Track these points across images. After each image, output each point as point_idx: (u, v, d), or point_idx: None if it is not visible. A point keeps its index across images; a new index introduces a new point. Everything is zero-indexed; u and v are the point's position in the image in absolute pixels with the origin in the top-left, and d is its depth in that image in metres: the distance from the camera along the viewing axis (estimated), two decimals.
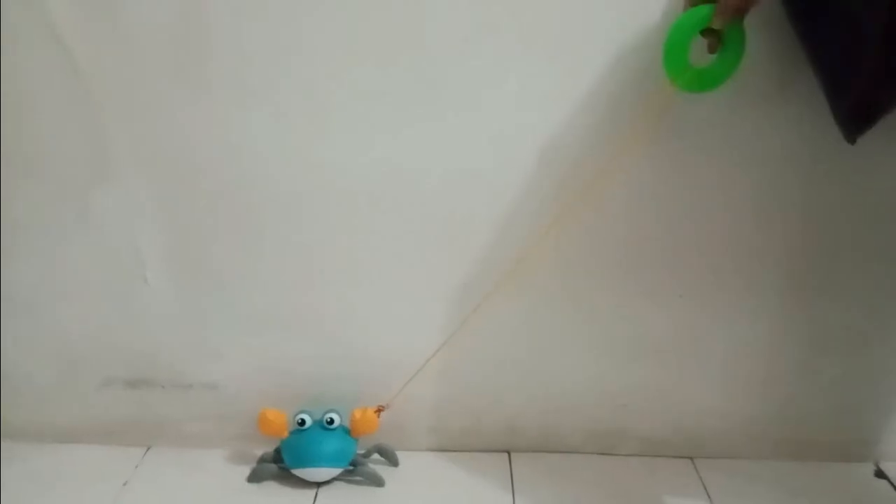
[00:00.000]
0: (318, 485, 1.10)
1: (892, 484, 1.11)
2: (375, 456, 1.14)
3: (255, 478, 1.11)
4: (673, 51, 0.83)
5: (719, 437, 1.15)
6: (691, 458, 1.15)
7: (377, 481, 1.11)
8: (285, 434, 1.10)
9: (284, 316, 1.08)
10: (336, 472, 1.10)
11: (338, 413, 1.11)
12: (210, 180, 0.99)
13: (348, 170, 0.97)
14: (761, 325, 1.06)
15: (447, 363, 1.09)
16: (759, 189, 0.98)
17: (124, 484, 1.09)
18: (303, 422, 1.10)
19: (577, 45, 0.90)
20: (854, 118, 0.82)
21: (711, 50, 0.83)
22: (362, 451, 1.13)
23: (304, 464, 1.09)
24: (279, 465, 1.11)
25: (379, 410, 1.11)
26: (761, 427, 1.14)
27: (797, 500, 1.07)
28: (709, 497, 1.07)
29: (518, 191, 0.98)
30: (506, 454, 1.16)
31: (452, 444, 1.16)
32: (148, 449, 1.17)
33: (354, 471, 1.11)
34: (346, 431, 1.12)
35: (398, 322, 1.08)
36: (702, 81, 0.85)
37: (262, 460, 1.13)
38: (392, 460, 1.14)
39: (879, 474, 1.13)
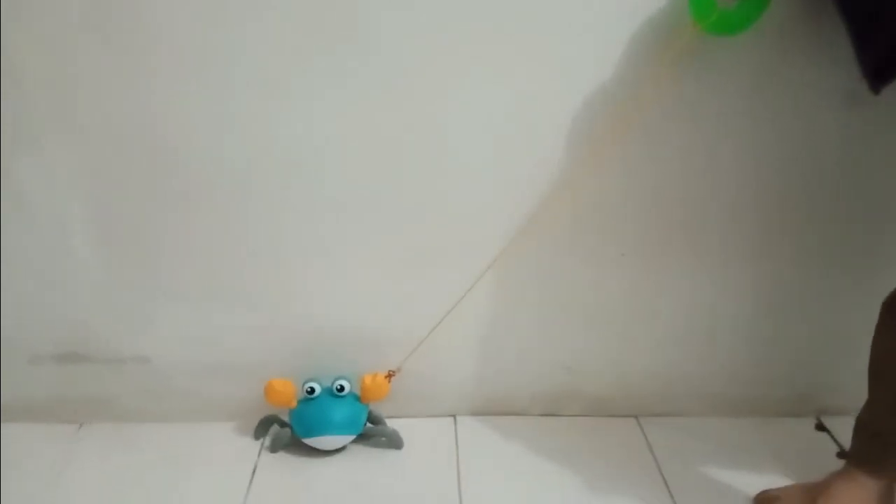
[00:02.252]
0: (329, 453, 1.09)
1: (832, 436, 1.13)
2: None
3: (274, 445, 1.09)
4: None
5: (663, 396, 1.15)
6: (636, 417, 1.16)
7: (396, 443, 1.10)
8: (294, 404, 1.08)
9: (220, 287, 1.05)
10: (349, 439, 1.08)
11: (347, 380, 1.08)
12: (138, 148, 0.94)
13: (287, 141, 0.94)
14: (704, 285, 1.06)
15: (400, 332, 1.08)
16: (716, 149, 0.96)
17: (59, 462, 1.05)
18: (312, 390, 1.08)
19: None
20: (879, 67, 0.80)
21: None
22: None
23: (316, 432, 1.07)
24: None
25: (390, 376, 1.09)
26: (704, 385, 1.15)
27: (740, 455, 1.08)
28: (653, 454, 1.08)
29: (467, 161, 0.96)
30: (451, 418, 1.15)
31: (399, 411, 1.14)
32: (80, 426, 1.13)
33: (366, 436, 1.10)
34: (357, 398, 1.10)
35: (342, 295, 1.06)
36: (727, 24, 0.83)
37: (263, 424, 1.11)
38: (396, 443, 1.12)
39: (820, 427, 1.15)
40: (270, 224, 1.00)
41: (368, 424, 1.10)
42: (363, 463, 1.07)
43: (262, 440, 1.11)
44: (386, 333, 1.09)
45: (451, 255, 1.02)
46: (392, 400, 1.11)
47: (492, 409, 1.16)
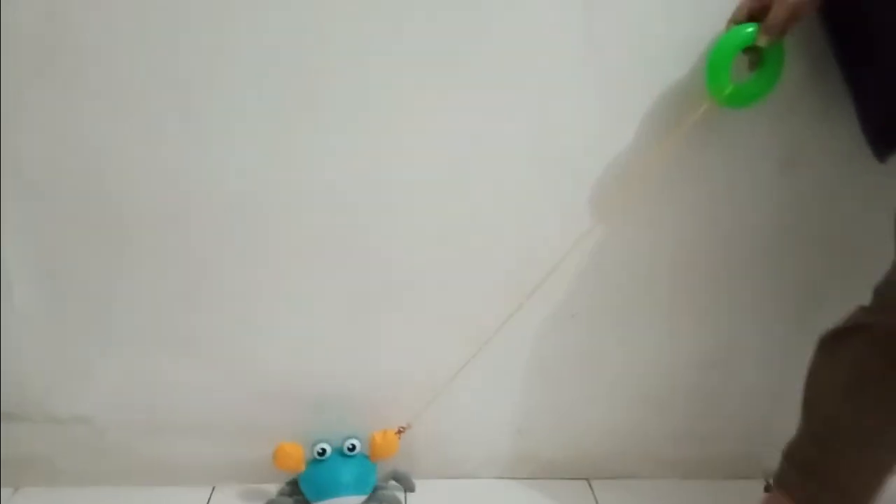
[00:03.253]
0: None
1: None
2: (392, 482, 1.12)
3: None
4: (716, 68, 0.85)
5: (615, 458, 1.15)
6: (587, 480, 1.15)
7: (407, 486, 1.10)
8: (303, 467, 1.06)
9: (168, 340, 1.03)
10: (360, 499, 1.05)
11: (358, 439, 1.06)
12: (79, 196, 0.94)
13: (224, 181, 0.94)
14: (652, 344, 1.08)
15: (344, 383, 1.07)
16: (658, 210, 1.00)
17: None
18: (323, 451, 1.05)
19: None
20: (884, 137, 0.85)
21: (752, 67, 0.86)
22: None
23: (328, 495, 1.04)
24: (295, 498, 1.06)
25: (400, 432, 1.08)
26: (655, 446, 1.15)
27: None
28: None
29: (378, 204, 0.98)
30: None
31: None
32: (16, 490, 1.08)
33: (374, 495, 1.07)
34: (365, 457, 1.07)
35: (291, 338, 1.05)
36: (741, 97, 0.87)
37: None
38: (409, 486, 1.11)
39: (769, 489, 1.15)
40: (221, 272, 0.99)
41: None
42: None
43: None
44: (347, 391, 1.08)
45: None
46: None
47: (444, 473, 1.14)
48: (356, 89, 0.91)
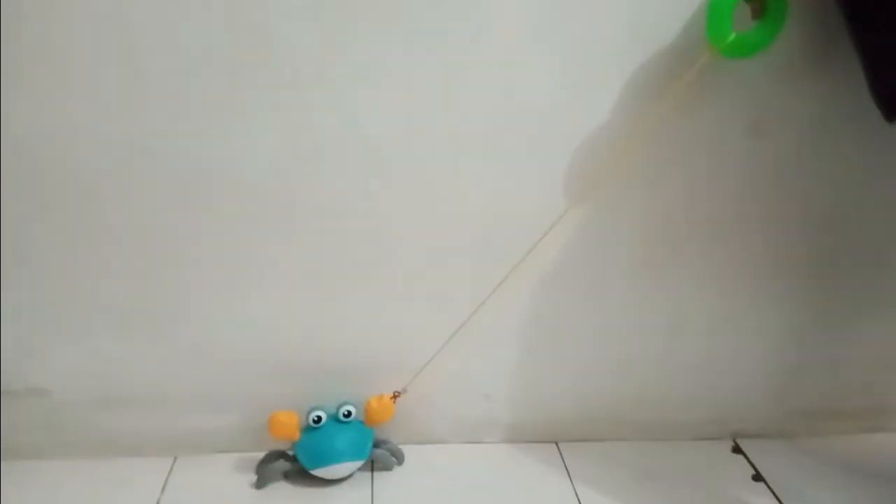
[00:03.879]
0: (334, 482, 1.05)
1: (747, 458, 1.14)
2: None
3: (262, 481, 1.04)
4: (716, 17, 0.83)
5: (582, 421, 1.14)
6: (556, 443, 1.14)
7: (398, 458, 1.09)
8: (297, 435, 1.04)
9: (120, 311, 0.99)
10: (358, 465, 1.05)
11: (353, 405, 1.05)
12: (27, 162, 0.89)
13: (180, 146, 0.90)
14: (617, 307, 1.07)
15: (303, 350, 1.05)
16: (634, 170, 0.97)
17: None
18: (318, 419, 1.04)
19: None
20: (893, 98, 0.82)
21: (755, 16, 0.83)
22: None
23: (325, 462, 1.03)
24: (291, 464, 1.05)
25: (395, 397, 1.06)
26: (621, 409, 1.15)
27: (657, 480, 1.08)
28: (570, 480, 1.07)
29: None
30: None
31: None
32: None
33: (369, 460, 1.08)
34: (361, 423, 1.07)
35: (242, 316, 1.02)
36: (742, 47, 0.84)
37: (264, 462, 1.06)
38: (398, 457, 1.10)
39: (736, 450, 1.16)
40: (183, 242, 0.95)
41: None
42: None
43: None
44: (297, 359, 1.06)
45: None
46: None
47: (413, 439, 1.13)
48: (316, 47, 0.86)
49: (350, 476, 1.06)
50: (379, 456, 1.08)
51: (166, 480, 1.04)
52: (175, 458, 1.08)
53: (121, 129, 0.88)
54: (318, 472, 1.03)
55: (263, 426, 1.03)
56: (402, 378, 1.07)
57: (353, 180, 0.94)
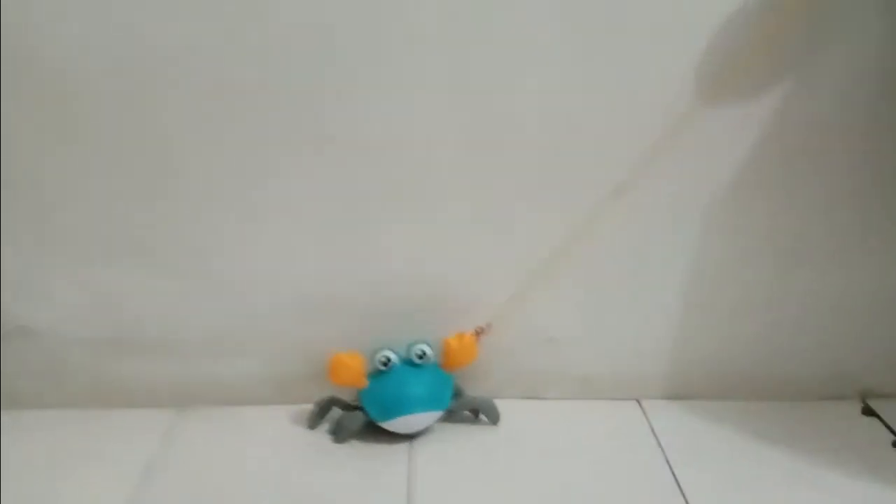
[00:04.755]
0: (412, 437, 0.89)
1: (883, 422, 0.91)
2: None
3: (341, 432, 0.89)
4: None
5: (670, 376, 0.94)
6: (637, 400, 0.95)
7: (492, 415, 0.92)
8: (364, 381, 0.90)
9: (129, 241, 0.85)
10: (437, 416, 0.90)
11: (428, 344, 0.90)
12: (27, 80, 0.75)
13: (194, 47, 0.74)
14: (715, 237, 0.87)
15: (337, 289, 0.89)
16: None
17: None
18: (387, 361, 0.89)
19: None
20: None
21: None
22: None
23: (398, 412, 0.87)
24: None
25: (478, 334, 0.91)
26: (719, 362, 0.94)
27: (773, 444, 0.86)
28: (659, 443, 0.87)
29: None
30: None
31: None
32: None
33: (455, 411, 0.92)
34: (438, 367, 0.92)
35: (271, 246, 0.87)
36: None
37: (322, 409, 0.91)
38: (492, 416, 0.93)
39: (868, 411, 0.93)
40: (196, 162, 0.81)
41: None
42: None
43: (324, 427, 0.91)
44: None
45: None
46: None
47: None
48: None
49: (425, 430, 0.90)
50: (480, 404, 0.91)
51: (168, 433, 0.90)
52: (180, 409, 0.94)
53: (124, 36, 0.74)
54: (390, 425, 0.88)
55: (294, 374, 0.90)
56: (467, 318, 0.90)
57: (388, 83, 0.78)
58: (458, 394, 0.93)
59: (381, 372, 0.90)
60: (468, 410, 0.93)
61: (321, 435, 0.89)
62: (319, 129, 0.79)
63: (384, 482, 0.81)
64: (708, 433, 0.89)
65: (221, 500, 0.80)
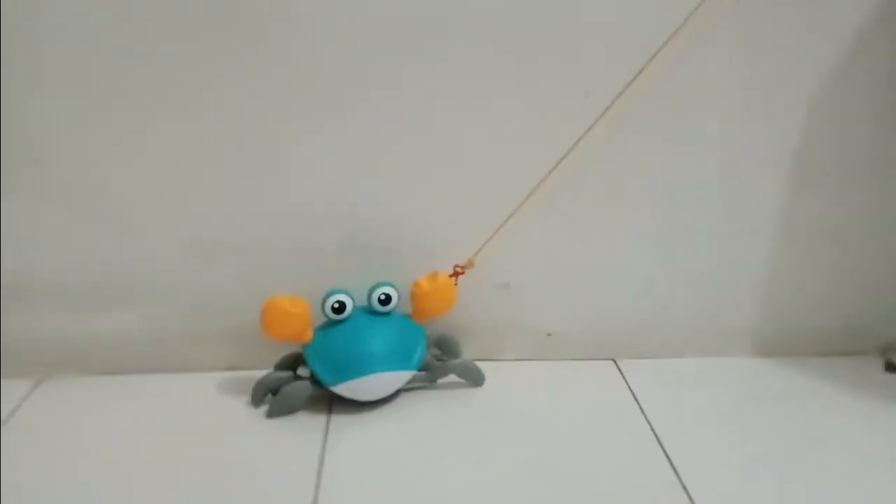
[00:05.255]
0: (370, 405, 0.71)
1: None
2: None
3: (281, 410, 0.70)
4: None
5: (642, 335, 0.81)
6: (614, 360, 0.80)
7: (475, 377, 0.75)
8: (309, 334, 0.71)
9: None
10: (404, 378, 0.71)
11: (393, 287, 0.71)
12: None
13: None
14: (712, 158, 0.74)
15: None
16: None
17: None
18: (341, 307, 0.70)
19: None
20: None
21: None
22: None
23: (354, 372, 0.69)
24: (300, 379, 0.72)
25: (458, 274, 0.73)
26: (715, 313, 0.81)
27: (781, 402, 0.73)
28: (638, 404, 0.72)
29: None
30: None
31: None
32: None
33: (429, 374, 0.74)
34: (406, 316, 0.74)
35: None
36: None
37: (266, 384, 0.72)
38: (475, 378, 0.76)
39: (892, 367, 0.79)
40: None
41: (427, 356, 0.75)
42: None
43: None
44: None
45: None
46: None
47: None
48: None
49: (390, 398, 0.72)
50: (461, 368, 0.74)
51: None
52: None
53: None
54: (345, 388, 0.69)
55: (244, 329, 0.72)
56: (445, 257, 0.74)
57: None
58: (452, 353, 0.75)
59: (333, 322, 0.71)
60: (442, 375, 0.75)
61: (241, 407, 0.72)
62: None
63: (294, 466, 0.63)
64: (694, 396, 0.74)
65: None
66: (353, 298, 0.71)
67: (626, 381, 0.76)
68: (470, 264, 0.73)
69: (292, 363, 0.73)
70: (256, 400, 0.71)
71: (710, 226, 0.76)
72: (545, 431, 0.68)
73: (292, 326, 0.69)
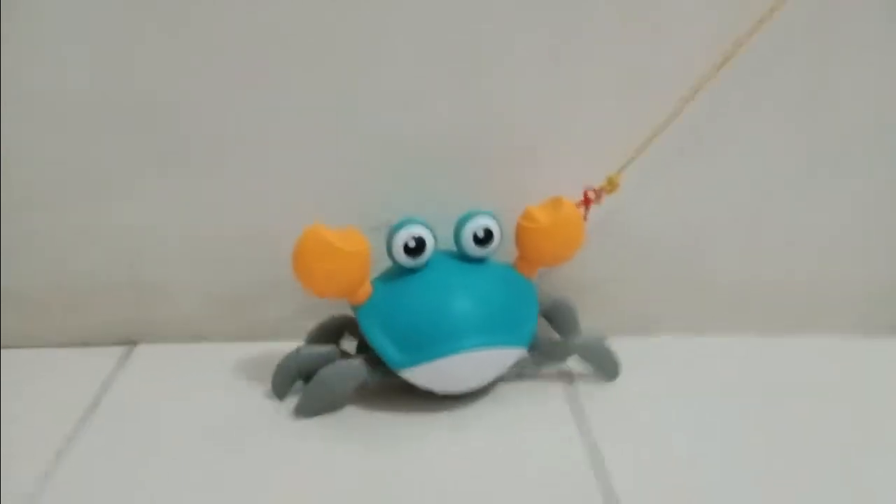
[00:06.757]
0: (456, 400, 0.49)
1: None
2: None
3: (319, 404, 0.49)
4: None
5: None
6: None
7: (608, 366, 0.53)
8: (367, 288, 0.49)
9: None
10: (511, 357, 0.50)
11: (493, 217, 0.50)
12: None
13: None
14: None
15: None
16: None
17: None
18: (419, 245, 0.48)
19: None
20: None
21: None
22: None
23: (438, 349, 0.47)
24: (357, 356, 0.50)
25: (589, 202, 0.52)
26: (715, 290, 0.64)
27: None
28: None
29: None
30: None
31: None
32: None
33: (539, 357, 0.52)
34: (509, 266, 0.52)
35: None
36: None
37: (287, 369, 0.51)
38: (610, 369, 0.54)
39: None
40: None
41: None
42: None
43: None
44: None
45: None
46: None
47: None
48: None
49: (484, 390, 0.50)
50: (589, 347, 0.51)
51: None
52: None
53: None
54: (417, 375, 0.48)
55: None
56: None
57: None
58: (567, 326, 0.52)
59: (403, 271, 0.49)
60: (559, 359, 0.51)
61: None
62: None
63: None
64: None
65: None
66: (431, 234, 0.49)
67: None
68: (612, 185, 0.50)
69: (334, 332, 0.52)
70: (280, 388, 0.50)
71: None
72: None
73: (343, 274, 0.46)
